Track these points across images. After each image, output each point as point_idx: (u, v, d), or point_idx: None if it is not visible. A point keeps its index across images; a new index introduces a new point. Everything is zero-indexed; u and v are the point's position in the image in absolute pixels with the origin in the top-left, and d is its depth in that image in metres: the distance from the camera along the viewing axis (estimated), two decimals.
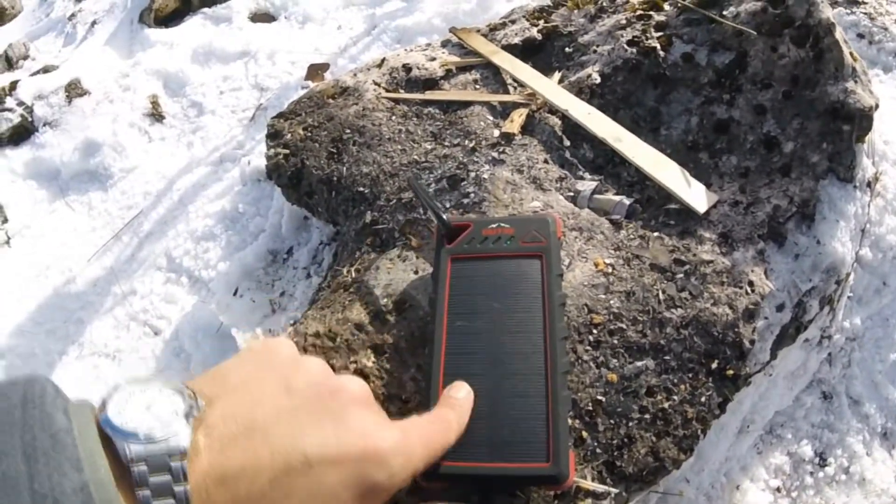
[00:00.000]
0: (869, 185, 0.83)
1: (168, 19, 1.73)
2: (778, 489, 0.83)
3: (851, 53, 0.82)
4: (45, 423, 0.30)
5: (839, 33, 0.81)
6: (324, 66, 1.40)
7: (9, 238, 1.44)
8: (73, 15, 1.98)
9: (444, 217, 0.66)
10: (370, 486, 0.39)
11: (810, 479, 0.84)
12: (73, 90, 1.58)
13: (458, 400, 0.55)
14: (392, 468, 0.41)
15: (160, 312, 1.20)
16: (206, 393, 0.37)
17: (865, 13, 1.23)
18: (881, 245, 0.89)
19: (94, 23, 1.87)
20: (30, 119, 1.59)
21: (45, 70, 1.75)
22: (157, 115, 1.48)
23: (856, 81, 0.80)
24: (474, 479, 0.55)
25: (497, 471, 0.54)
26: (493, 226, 0.66)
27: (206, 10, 1.67)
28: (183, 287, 1.20)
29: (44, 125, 1.57)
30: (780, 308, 0.70)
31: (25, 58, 1.95)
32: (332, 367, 0.69)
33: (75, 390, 1.16)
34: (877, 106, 0.81)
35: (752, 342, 0.67)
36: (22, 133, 1.58)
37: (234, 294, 1.05)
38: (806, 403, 0.86)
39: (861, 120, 0.78)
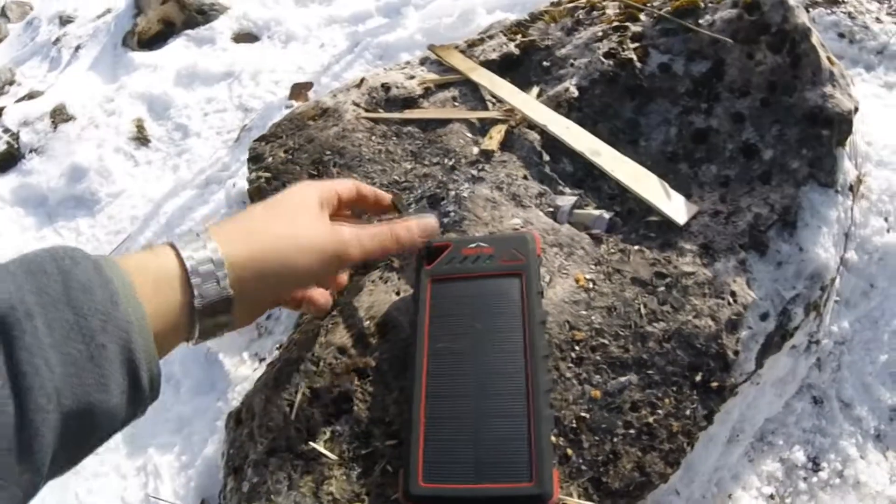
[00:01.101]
0: (851, 188, 0.83)
1: (151, 42, 1.73)
2: (771, 496, 0.82)
3: (829, 58, 0.82)
4: (70, 253, 0.39)
5: (815, 38, 0.81)
6: (307, 85, 1.40)
7: None
8: (57, 39, 1.99)
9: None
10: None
11: (804, 485, 0.83)
12: (59, 116, 1.58)
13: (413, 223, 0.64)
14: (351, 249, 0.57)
15: None
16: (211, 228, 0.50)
17: (846, 12, 1.23)
18: (867, 247, 0.89)
19: (78, 47, 1.87)
20: (16, 146, 1.59)
21: (31, 96, 1.75)
22: (142, 139, 1.48)
23: (834, 85, 0.80)
24: (457, 500, 0.55)
25: (481, 492, 0.54)
26: (473, 245, 0.66)
27: (189, 31, 1.67)
28: None
29: (30, 152, 1.57)
30: (764, 317, 0.70)
31: (11, 83, 1.96)
32: (316, 391, 0.69)
33: None
34: (856, 109, 0.81)
35: (737, 353, 0.67)
36: (8, 160, 1.58)
37: None
38: (796, 409, 0.86)
39: (840, 124, 0.78)
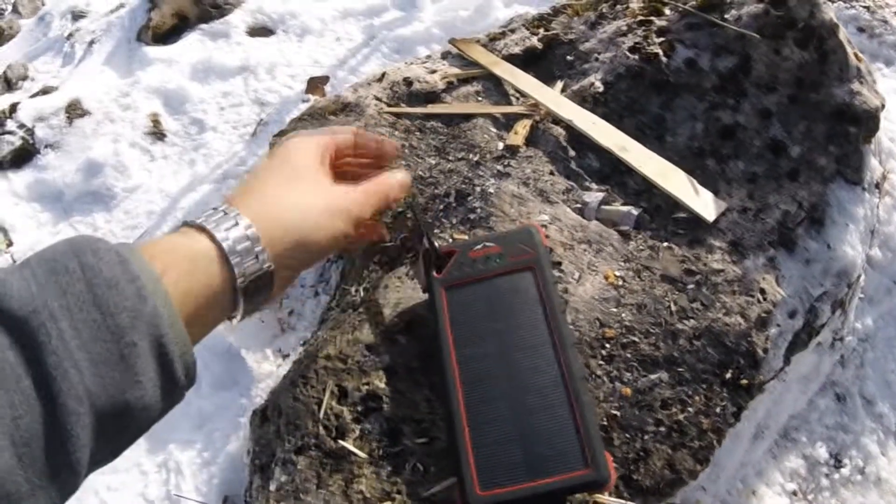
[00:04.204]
0: (877, 185, 0.83)
1: (166, 36, 1.72)
2: (794, 493, 0.82)
3: (856, 54, 0.82)
4: (93, 245, 0.38)
5: (843, 34, 0.81)
6: (324, 79, 1.40)
7: (14, 262, 1.44)
8: (70, 34, 1.98)
9: (437, 245, 0.66)
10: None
11: (826, 481, 0.84)
12: (74, 111, 1.58)
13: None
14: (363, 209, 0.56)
15: None
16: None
17: (864, 6, 1.23)
18: (890, 244, 0.89)
19: (92, 42, 1.86)
20: (31, 141, 1.59)
21: (45, 91, 1.75)
22: (158, 134, 1.48)
23: (861, 82, 0.80)
24: (518, 502, 0.55)
25: (540, 488, 0.54)
26: (479, 247, 0.66)
27: (203, 25, 1.66)
28: None
29: (45, 147, 1.57)
30: (792, 314, 0.70)
31: (24, 78, 1.95)
32: (344, 389, 0.69)
33: None
34: (883, 106, 0.80)
35: (766, 350, 0.67)
36: (24, 155, 1.58)
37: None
38: (820, 406, 0.86)
39: (868, 121, 0.78)
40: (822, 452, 0.85)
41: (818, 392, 0.87)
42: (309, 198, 0.52)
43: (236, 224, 0.46)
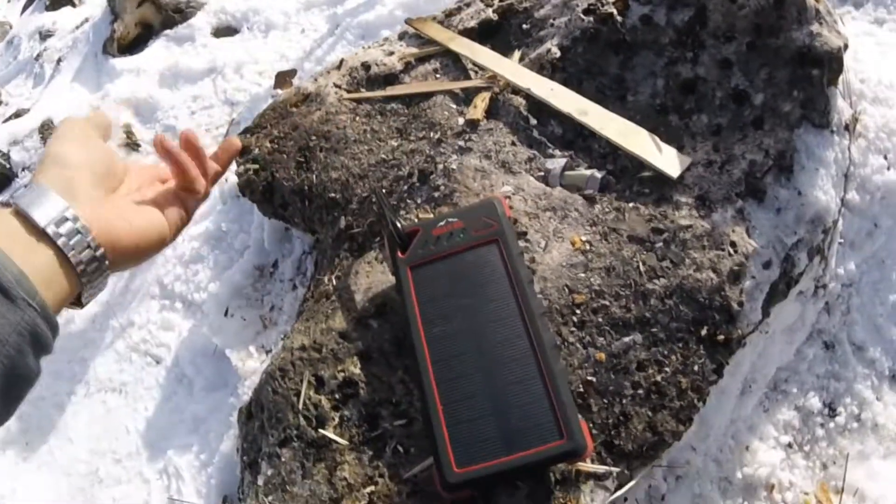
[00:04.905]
0: (847, 127, 0.81)
1: (131, 46, 1.71)
2: (789, 444, 0.82)
3: None
4: None
5: None
6: (291, 73, 1.39)
7: None
8: (39, 55, 1.97)
9: (399, 227, 0.66)
10: None
11: (821, 431, 0.83)
12: (47, 131, 1.57)
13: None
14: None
15: (159, 340, 1.19)
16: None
17: None
18: (868, 187, 0.87)
19: (59, 60, 1.85)
20: (8, 166, 1.58)
21: (18, 115, 1.74)
22: (132, 144, 1.47)
23: (821, 23, 0.78)
24: (496, 476, 0.54)
25: (516, 461, 0.54)
26: (442, 223, 0.66)
27: (167, 31, 1.65)
28: (178, 312, 1.20)
29: (22, 170, 1.57)
30: (766, 265, 0.69)
31: None
32: (321, 378, 0.68)
33: (89, 429, 1.16)
34: (846, 46, 0.78)
35: (741, 304, 0.66)
36: (2, 180, 1.58)
37: (226, 314, 1.04)
38: (808, 356, 0.85)
39: (830, 62, 0.76)
40: (814, 402, 0.84)
41: (805, 342, 0.86)
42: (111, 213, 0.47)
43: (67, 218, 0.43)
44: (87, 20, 1.94)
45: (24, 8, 2.50)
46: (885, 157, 0.88)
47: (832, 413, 0.84)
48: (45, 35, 2.13)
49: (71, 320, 1.34)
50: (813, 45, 0.75)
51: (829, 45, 0.76)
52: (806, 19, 0.77)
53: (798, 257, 0.72)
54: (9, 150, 1.62)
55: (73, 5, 2.24)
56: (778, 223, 0.71)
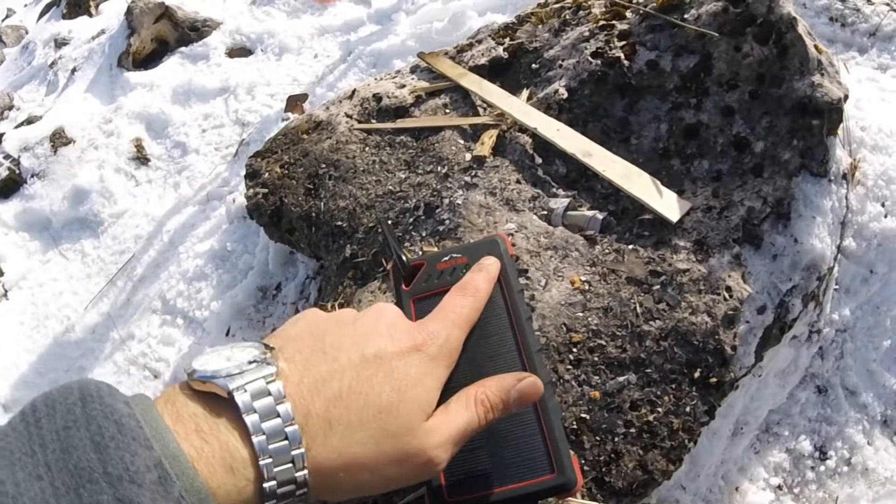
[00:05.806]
0: (845, 176, 0.83)
1: (146, 61, 1.74)
2: (779, 487, 0.83)
3: (816, 46, 0.82)
4: (107, 413, 0.32)
5: (802, 27, 0.81)
6: (302, 97, 1.41)
7: (6, 291, 1.45)
8: (53, 62, 2.00)
9: (404, 259, 0.67)
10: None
11: (812, 474, 0.84)
12: (58, 139, 1.59)
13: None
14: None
15: (158, 355, 1.21)
16: (273, 342, 0.42)
17: None
18: (864, 234, 0.89)
19: (74, 69, 1.88)
20: (17, 171, 1.61)
21: (29, 121, 1.76)
22: (142, 158, 1.50)
23: (822, 74, 0.80)
24: None
25: (507, 493, 0.55)
26: (446, 258, 0.67)
27: (183, 49, 1.68)
28: (178, 328, 1.21)
29: (31, 176, 1.59)
30: (761, 310, 0.70)
31: (10, 108, 1.98)
32: None
33: None
34: (846, 97, 0.80)
35: (735, 348, 0.67)
36: (11, 186, 1.60)
37: (227, 334, 1.06)
38: (801, 399, 0.86)
39: (830, 113, 0.78)
40: (805, 445, 0.85)
41: (798, 385, 0.87)
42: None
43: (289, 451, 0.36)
44: (103, 31, 1.97)
45: (41, 14, 2.54)
46: (883, 205, 0.90)
47: (823, 456, 0.84)
48: (60, 43, 2.16)
49: (71, 329, 1.35)
50: (814, 96, 0.77)
51: (830, 97, 0.78)
52: (808, 70, 0.79)
53: (792, 303, 0.74)
54: (19, 156, 1.64)
55: (90, 15, 2.28)
56: (773, 269, 0.73)
